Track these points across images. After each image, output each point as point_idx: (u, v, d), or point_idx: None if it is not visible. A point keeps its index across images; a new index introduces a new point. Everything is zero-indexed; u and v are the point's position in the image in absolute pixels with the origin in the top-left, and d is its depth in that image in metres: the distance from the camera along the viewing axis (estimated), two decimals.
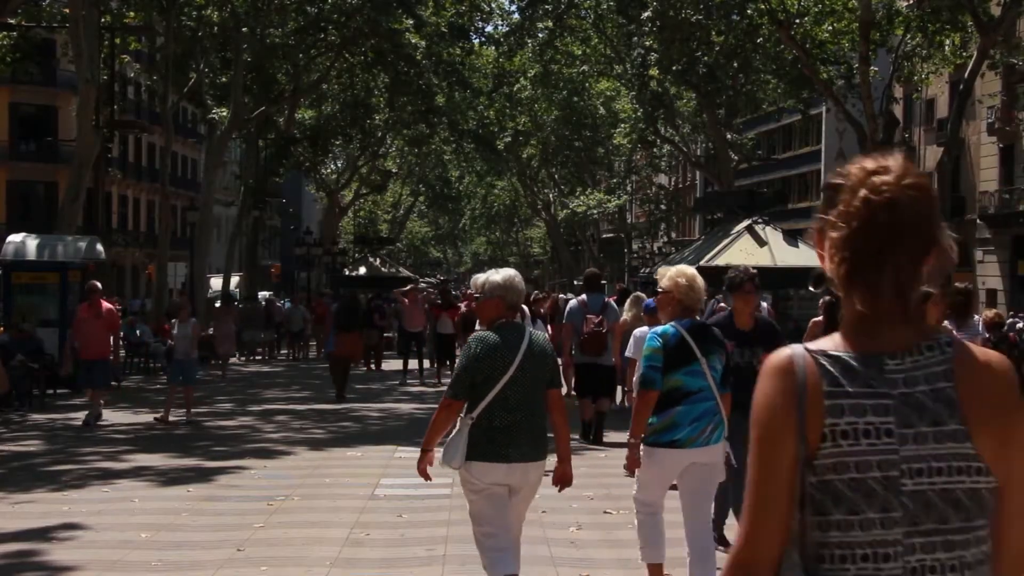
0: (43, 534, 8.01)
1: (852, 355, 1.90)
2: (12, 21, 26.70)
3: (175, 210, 46.22)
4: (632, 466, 5.79)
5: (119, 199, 53.33)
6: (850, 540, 1.86)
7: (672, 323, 5.83)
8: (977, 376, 1.88)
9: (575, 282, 51.22)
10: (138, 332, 24.23)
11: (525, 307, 11.82)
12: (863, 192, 1.89)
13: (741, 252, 25.26)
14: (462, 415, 5.31)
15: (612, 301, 13.95)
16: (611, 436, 12.45)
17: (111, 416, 15.64)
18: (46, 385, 17.85)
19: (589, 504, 9.04)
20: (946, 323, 9.06)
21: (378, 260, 40.88)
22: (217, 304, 34.50)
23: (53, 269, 20.03)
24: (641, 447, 5.78)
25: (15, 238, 21.32)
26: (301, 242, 46.31)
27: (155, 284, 37.14)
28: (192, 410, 15.44)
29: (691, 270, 6.05)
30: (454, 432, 5.31)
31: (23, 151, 48.49)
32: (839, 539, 1.86)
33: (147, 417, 15.57)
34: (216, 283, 40.30)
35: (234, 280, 38.64)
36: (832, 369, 1.89)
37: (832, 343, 1.94)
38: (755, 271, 7.32)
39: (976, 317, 10.31)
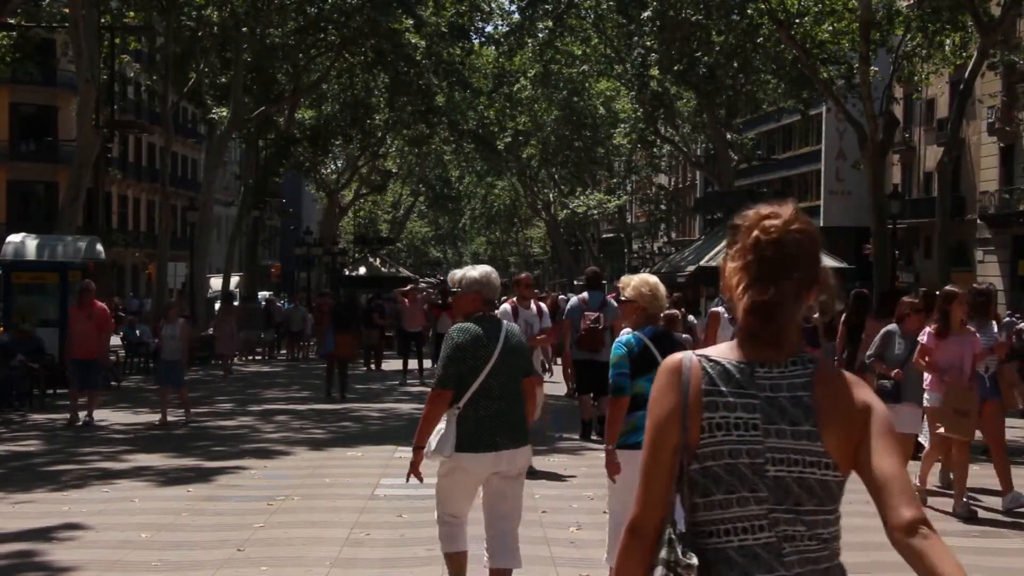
0: (43, 534, 8.01)
1: (731, 362, 2.31)
2: (12, 21, 26.71)
3: (175, 210, 46.21)
4: (612, 471, 5.85)
5: (119, 199, 53.35)
6: (730, 516, 2.25)
7: (636, 332, 5.96)
8: (831, 390, 2.28)
9: (575, 282, 51.21)
10: (138, 332, 24.22)
11: (543, 304, 11.92)
12: (755, 232, 2.30)
13: None
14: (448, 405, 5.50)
15: (612, 299, 14.02)
16: None
17: (111, 416, 15.64)
18: (46, 385, 17.83)
19: (589, 504, 9.04)
20: (969, 324, 9.03)
21: (378, 260, 40.87)
22: (217, 304, 34.55)
23: (53, 269, 20.03)
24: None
25: (15, 238, 21.32)
26: (301, 242, 46.30)
27: (155, 284, 37.13)
28: (192, 411, 15.37)
29: (654, 279, 6.18)
30: (445, 424, 5.48)
31: (23, 151, 48.51)
32: (721, 516, 2.25)
33: (146, 417, 15.56)
34: (216, 283, 40.28)
35: (234, 280, 38.61)
36: (712, 372, 2.30)
37: (718, 351, 2.36)
38: None
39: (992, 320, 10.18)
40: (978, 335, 9.00)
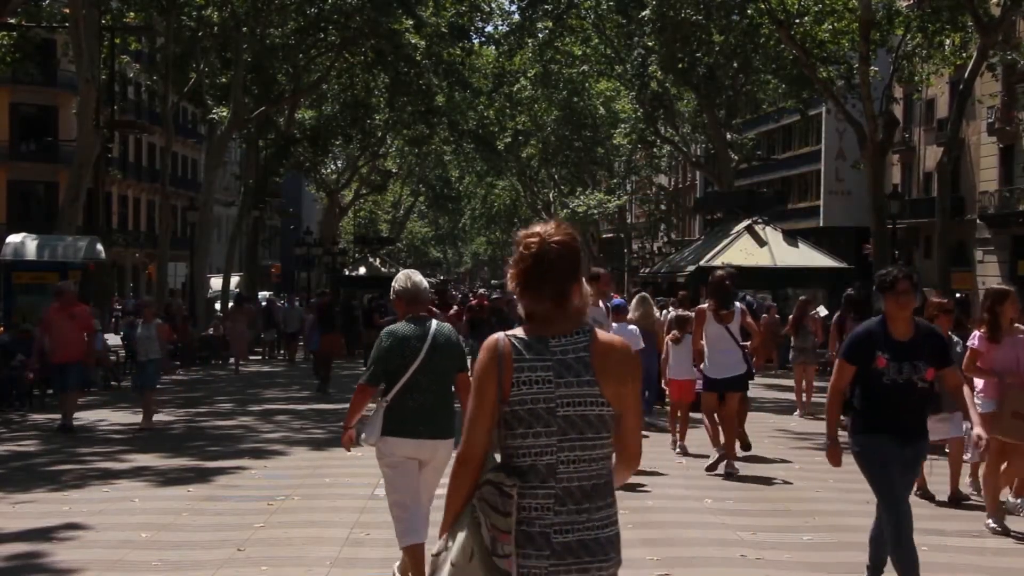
0: (43, 534, 8.01)
1: (531, 337, 3.22)
2: (12, 21, 26.70)
3: (175, 210, 46.18)
4: None
5: (119, 199, 53.29)
6: (527, 444, 3.16)
7: None
8: (604, 349, 3.23)
9: None
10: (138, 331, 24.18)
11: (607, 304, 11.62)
12: (519, 248, 3.24)
13: (741, 252, 25.27)
14: (379, 398, 6.05)
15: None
16: None
17: (110, 416, 15.63)
18: (46, 385, 17.79)
19: None
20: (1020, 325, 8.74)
21: (378, 260, 40.86)
22: (217, 305, 34.49)
23: (53, 269, 20.03)
24: None
25: (15, 238, 21.32)
26: (301, 242, 46.28)
27: (155, 284, 37.10)
28: (148, 417, 14.42)
29: None
30: (373, 413, 5.99)
31: (23, 151, 48.45)
32: (520, 444, 3.17)
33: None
34: (216, 283, 40.25)
35: (234, 280, 38.59)
36: (519, 345, 3.20)
37: (522, 331, 3.24)
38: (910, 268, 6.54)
39: None
40: None
